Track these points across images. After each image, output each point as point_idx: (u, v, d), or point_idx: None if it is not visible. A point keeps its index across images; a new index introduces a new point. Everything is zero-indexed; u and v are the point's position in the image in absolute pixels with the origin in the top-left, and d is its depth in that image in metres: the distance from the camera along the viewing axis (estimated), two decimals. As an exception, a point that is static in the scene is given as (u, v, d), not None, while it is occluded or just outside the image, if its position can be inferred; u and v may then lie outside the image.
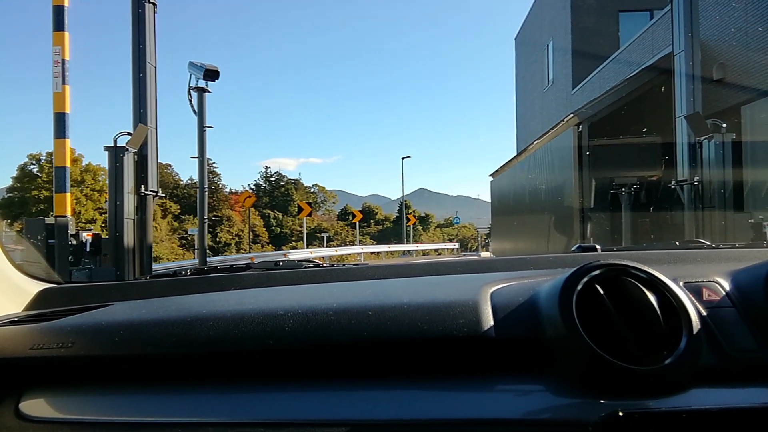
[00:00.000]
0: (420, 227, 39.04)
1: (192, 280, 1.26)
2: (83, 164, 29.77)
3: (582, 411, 0.70)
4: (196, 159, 8.20)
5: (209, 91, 7.75)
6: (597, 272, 0.79)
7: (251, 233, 37.27)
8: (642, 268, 0.80)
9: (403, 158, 30.72)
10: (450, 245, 31.98)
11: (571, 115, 9.53)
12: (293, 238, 38.33)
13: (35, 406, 0.83)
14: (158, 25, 6.14)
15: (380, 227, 40.09)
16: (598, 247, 1.35)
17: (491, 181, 18.87)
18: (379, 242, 34.25)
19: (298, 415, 0.77)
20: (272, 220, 39.65)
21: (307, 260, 1.49)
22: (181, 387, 0.84)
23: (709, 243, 1.53)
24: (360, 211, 42.48)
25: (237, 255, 22.56)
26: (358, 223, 28.93)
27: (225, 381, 0.84)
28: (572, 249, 1.39)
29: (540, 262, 1.20)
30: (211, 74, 7.38)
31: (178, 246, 33.11)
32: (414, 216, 32.61)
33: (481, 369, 0.80)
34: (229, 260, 15.63)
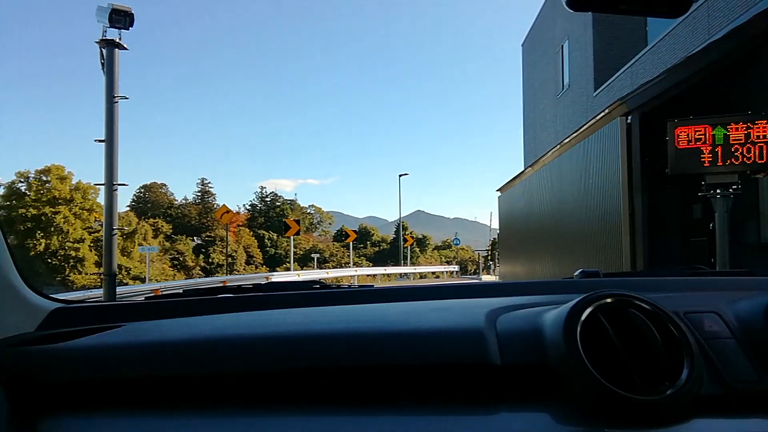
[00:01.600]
0: (417, 249, 38.30)
1: (201, 302, 1.24)
2: (73, 183, 29.07)
3: None
4: (103, 143, 6.18)
5: (124, 47, 5.73)
6: (601, 302, 0.80)
7: (245, 254, 36.58)
8: (645, 299, 0.81)
9: (400, 176, 29.43)
10: (449, 268, 30.71)
11: (618, 103, 7.35)
12: (288, 260, 37.53)
13: (52, 428, 0.83)
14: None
15: (377, 249, 39.36)
16: (600, 272, 1.38)
17: (499, 197, 17.30)
18: (376, 264, 33.51)
19: None
20: (266, 240, 38.91)
21: (317, 282, 1.47)
22: (192, 409, 0.84)
23: (710, 269, 1.54)
24: (356, 232, 42.04)
25: (209, 279, 21.58)
26: (351, 244, 27.73)
27: (233, 403, 0.84)
28: (575, 274, 1.40)
29: (544, 288, 1.23)
30: (121, 17, 5.26)
31: (170, 267, 32.45)
32: (411, 237, 31.83)
33: (485, 396, 0.80)
34: (201, 283, 15.21)
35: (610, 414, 0.72)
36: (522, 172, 14.51)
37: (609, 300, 0.81)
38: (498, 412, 0.78)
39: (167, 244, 34.15)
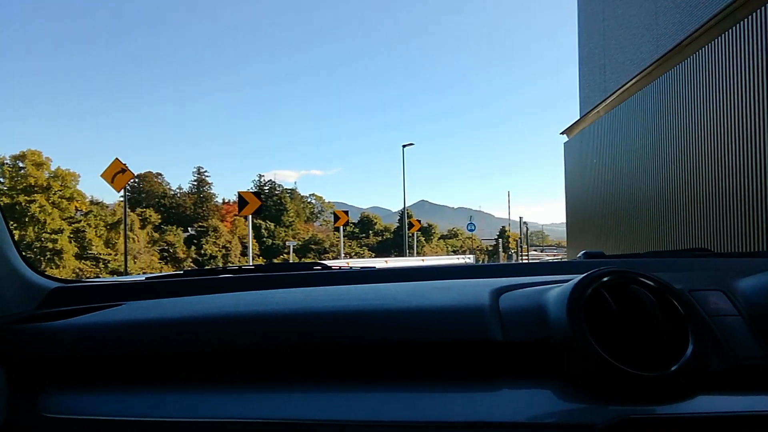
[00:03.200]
0: (422, 238, 36.06)
1: (202, 281, 1.25)
2: (52, 169, 26.96)
3: (589, 415, 0.71)
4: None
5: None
6: (605, 279, 0.80)
7: (240, 245, 34.52)
8: (649, 275, 0.81)
9: (404, 146, 24.94)
10: (464, 258, 25.45)
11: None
12: (285, 250, 35.45)
13: (51, 403, 0.84)
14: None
15: (380, 238, 37.17)
16: (605, 253, 1.38)
17: (565, 144, 13.49)
18: (379, 254, 31.35)
19: (308, 415, 0.77)
20: (263, 231, 36.78)
21: (317, 263, 1.46)
22: (194, 386, 0.85)
23: (714, 252, 1.51)
24: (359, 221, 39.88)
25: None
26: (342, 228, 22.37)
27: (235, 380, 0.85)
28: (579, 255, 1.39)
29: (547, 268, 1.22)
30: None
31: (159, 259, 30.44)
32: (418, 221, 29.35)
33: (489, 372, 0.80)
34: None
35: (615, 390, 0.72)
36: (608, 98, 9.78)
37: (613, 277, 0.80)
38: (501, 389, 0.78)
39: (156, 234, 32.05)
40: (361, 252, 32.04)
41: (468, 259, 24.05)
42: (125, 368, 0.89)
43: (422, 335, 0.83)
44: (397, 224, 37.38)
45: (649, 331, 0.76)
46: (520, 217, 22.01)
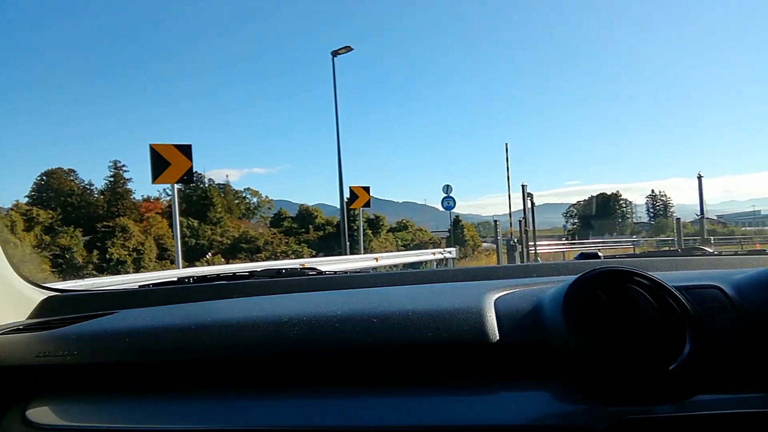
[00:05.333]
0: (370, 231, 32.02)
1: (195, 288, 1.23)
2: None
3: (587, 417, 0.71)
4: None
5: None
6: (601, 278, 0.79)
7: (157, 248, 29.38)
8: (645, 274, 0.80)
9: (333, 54, 17.68)
10: (441, 254, 15.96)
11: None
12: (213, 251, 30.45)
13: (41, 414, 0.83)
14: None
15: (321, 233, 32.84)
16: (600, 254, 1.38)
17: None
18: (320, 252, 27.13)
19: (304, 421, 0.77)
20: (186, 229, 31.63)
21: (311, 268, 1.48)
22: (186, 394, 0.84)
23: (710, 250, 1.55)
24: (297, 215, 35.45)
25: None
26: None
27: (230, 388, 0.84)
28: (575, 257, 1.39)
29: (542, 270, 1.21)
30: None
31: (51, 267, 25.05)
32: (365, 190, 24.78)
33: (485, 375, 0.80)
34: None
35: (612, 391, 0.71)
36: None
37: (609, 276, 0.79)
38: (498, 391, 0.78)
39: (47, 237, 26.38)
40: (300, 250, 27.54)
41: (448, 254, 15.99)
42: (117, 377, 0.87)
43: (419, 339, 0.82)
44: (340, 217, 33.24)
45: (645, 331, 0.74)
46: (523, 185, 18.12)
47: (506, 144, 19.65)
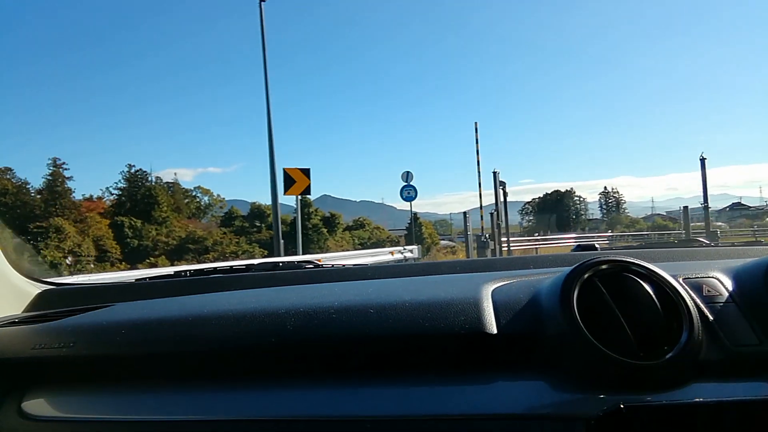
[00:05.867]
0: (325, 229, 30.88)
1: (192, 281, 1.24)
2: None
3: (584, 406, 0.71)
4: None
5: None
6: (598, 268, 0.79)
7: (96, 249, 27.37)
8: (642, 264, 0.80)
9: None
10: (401, 253, 13.22)
11: None
12: (156, 252, 28.68)
13: (38, 406, 0.83)
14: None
15: (273, 232, 31.48)
16: (597, 246, 1.37)
17: None
18: (273, 252, 25.82)
19: (302, 411, 0.77)
20: (127, 230, 29.68)
21: (308, 261, 1.46)
22: (183, 385, 0.84)
23: (707, 242, 1.54)
24: (248, 214, 33.92)
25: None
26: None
27: (227, 379, 0.84)
28: (572, 249, 1.38)
29: (539, 261, 1.23)
30: None
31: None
32: (302, 172, 23.71)
33: (482, 365, 0.80)
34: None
35: (609, 380, 0.71)
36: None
37: (605, 266, 0.79)
38: (496, 381, 0.77)
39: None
40: (251, 249, 26.17)
41: (409, 253, 13.57)
42: (113, 369, 0.86)
43: (416, 329, 0.82)
44: (294, 214, 31.96)
45: (642, 320, 0.74)
46: (495, 173, 15.94)
47: (475, 123, 17.97)
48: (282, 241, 12.10)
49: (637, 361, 0.71)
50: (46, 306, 1.10)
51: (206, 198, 43.55)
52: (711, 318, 0.77)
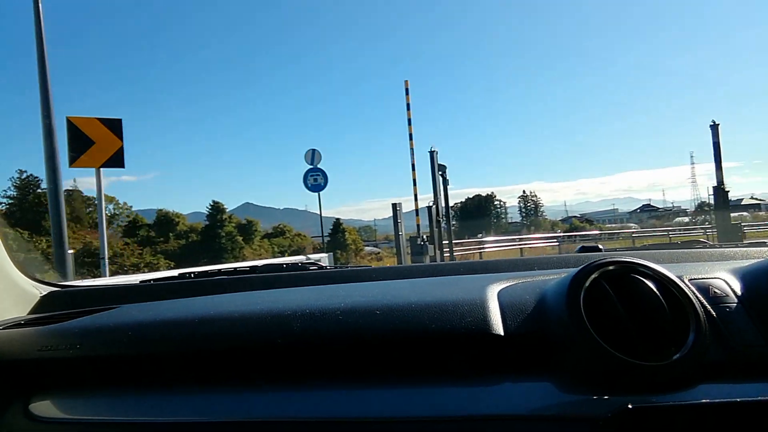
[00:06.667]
0: (240, 237, 28.87)
1: (197, 283, 1.23)
2: None
3: (591, 407, 0.71)
4: None
5: None
6: (604, 269, 0.79)
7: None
8: (649, 264, 0.80)
9: None
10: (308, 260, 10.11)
11: None
12: (47, 267, 25.39)
13: (44, 407, 0.83)
14: None
15: (182, 242, 29.00)
16: (601, 247, 1.35)
17: None
18: (181, 263, 23.58)
19: (309, 413, 0.77)
20: (11, 242, 26.08)
21: (312, 262, 1.49)
22: (189, 387, 0.84)
23: (711, 243, 1.51)
24: (154, 222, 31.14)
25: None
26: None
27: (233, 380, 0.84)
28: (575, 250, 1.38)
29: (544, 263, 1.22)
30: None
31: None
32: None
33: (489, 366, 0.80)
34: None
35: (616, 381, 0.71)
36: None
37: (612, 267, 0.79)
38: (502, 383, 0.77)
39: None
40: (155, 261, 23.80)
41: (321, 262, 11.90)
42: (119, 370, 0.86)
43: (422, 330, 0.81)
44: (206, 221, 29.66)
45: (649, 321, 0.74)
46: (432, 152, 12.80)
47: (406, 82, 14.37)
48: (71, 251, 7.05)
49: (644, 362, 0.70)
50: (50, 308, 1.10)
51: (111, 206, 40.05)
52: (717, 319, 0.77)
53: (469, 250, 19.20)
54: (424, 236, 12.68)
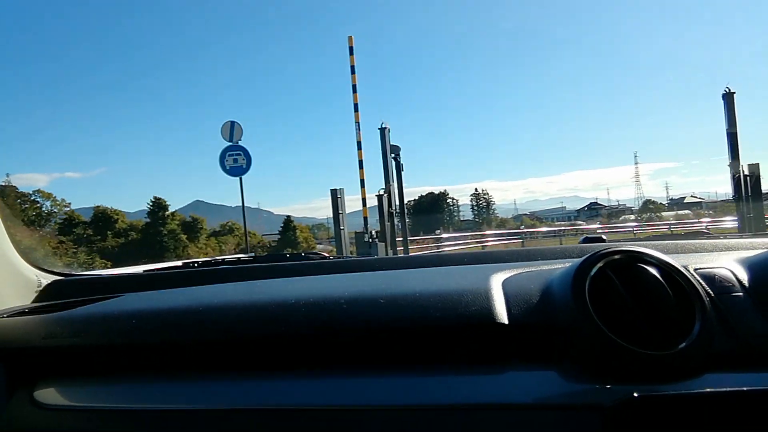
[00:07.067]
0: (184, 236, 27.67)
1: (200, 272, 1.24)
2: None
3: (596, 396, 0.71)
4: None
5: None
6: (610, 258, 0.79)
7: None
8: (654, 254, 0.80)
9: None
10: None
11: None
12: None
13: (50, 395, 0.84)
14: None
15: (121, 240, 27.53)
16: (604, 238, 1.35)
17: None
18: (120, 262, 22.27)
19: (313, 401, 0.77)
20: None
21: (315, 252, 1.49)
22: (193, 375, 0.85)
23: (715, 234, 1.54)
24: (91, 220, 29.46)
25: None
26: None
27: (237, 368, 0.85)
28: (579, 241, 1.38)
29: (548, 253, 1.22)
30: None
31: None
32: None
33: (494, 355, 0.81)
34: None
35: (621, 370, 0.72)
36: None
37: (618, 256, 0.79)
38: (508, 371, 0.78)
39: None
40: (90, 261, 22.41)
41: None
42: (124, 358, 0.87)
43: (427, 320, 0.82)
44: (147, 219, 28.27)
45: (655, 310, 0.74)
46: (383, 128, 10.85)
47: (350, 38, 11.94)
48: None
49: (649, 352, 0.70)
50: (55, 296, 1.10)
51: (48, 203, 37.72)
52: (723, 308, 0.78)
53: (426, 247, 18.35)
54: (373, 232, 10.64)
